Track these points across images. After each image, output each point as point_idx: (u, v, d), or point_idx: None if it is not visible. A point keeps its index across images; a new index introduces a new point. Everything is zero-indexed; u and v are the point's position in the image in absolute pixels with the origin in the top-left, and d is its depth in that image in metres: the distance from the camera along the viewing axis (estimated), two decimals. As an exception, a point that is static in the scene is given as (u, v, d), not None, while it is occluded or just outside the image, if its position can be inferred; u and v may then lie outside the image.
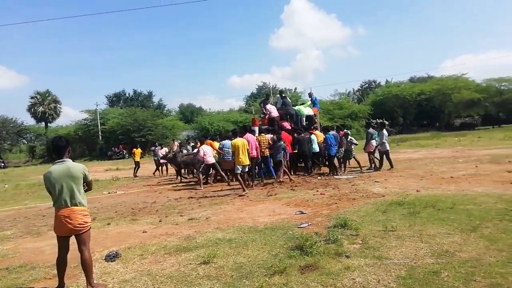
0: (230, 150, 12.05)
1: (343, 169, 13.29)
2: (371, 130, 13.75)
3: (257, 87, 66.93)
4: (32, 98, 58.27)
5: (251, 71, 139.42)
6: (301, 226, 5.95)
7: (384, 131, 12.95)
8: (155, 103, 66.20)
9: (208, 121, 49.09)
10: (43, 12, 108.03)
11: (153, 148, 19.00)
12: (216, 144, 13.08)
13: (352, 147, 13.07)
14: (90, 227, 3.97)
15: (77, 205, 3.78)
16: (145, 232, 6.44)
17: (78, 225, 3.76)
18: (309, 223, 6.10)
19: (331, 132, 13.34)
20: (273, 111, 14.63)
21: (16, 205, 11.33)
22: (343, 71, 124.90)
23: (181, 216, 7.69)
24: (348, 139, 12.95)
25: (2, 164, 44.85)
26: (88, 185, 3.98)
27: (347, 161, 13.64)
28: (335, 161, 13.25)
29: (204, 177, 12.89)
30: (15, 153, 58.77)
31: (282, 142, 11.59)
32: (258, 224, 6.33)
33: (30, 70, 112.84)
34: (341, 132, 13.44)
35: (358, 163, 13.33)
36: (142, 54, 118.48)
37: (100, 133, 48.51)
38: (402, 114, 54.33)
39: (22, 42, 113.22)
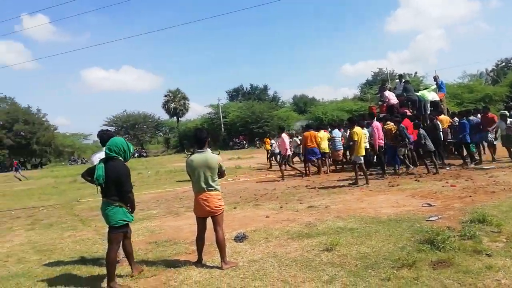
0: (339, 139, 11.75)
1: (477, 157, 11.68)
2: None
3: (372, 74, 63.52)
4: (165, 96, 65.86)
5: (365, 58, 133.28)
6: (430, 219, 5.53)
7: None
8: (270, 96, 68.36)
9: (322, 111, 48.63)
10: (173, 17, 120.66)
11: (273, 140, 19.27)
12: (324, 134, 12.92)
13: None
14: (223, 210, 4.38)
15: (212, 190, 4.22)
16: (268, 217, 6.80)
17: (215, 208, 4.19)
18: (439, 216, 5.63)
19: (472, 118, 11.88)
20: (392, 97, 13.69)
21: (158, 189, 13.06)
22: (471, 50, 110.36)
23: (300, 203, 7.87)
24: (509, 123, 11.07)
25: (144, 154, 52.13)
26: (221, 174, 4.37)
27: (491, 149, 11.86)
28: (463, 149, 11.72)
29: (317, 167, 12.94)
30: (154, 144, 67.61)
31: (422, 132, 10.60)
32: (381, 215, 6.10)
33: (163, 71, 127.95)
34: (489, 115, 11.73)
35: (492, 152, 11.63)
36: (258, 50, 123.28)
37: (222, 125, 52.34)
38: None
39: (157, 47, 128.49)
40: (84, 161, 53.05)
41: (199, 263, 4.39)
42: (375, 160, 11.85)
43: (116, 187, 3.86)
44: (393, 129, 10.69)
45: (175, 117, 67.68)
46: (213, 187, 4.22)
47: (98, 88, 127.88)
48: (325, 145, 12.65)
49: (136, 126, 64.75)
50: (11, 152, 49.15)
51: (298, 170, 13.25)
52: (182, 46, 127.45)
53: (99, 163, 3.92)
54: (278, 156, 15.99)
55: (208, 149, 4.35)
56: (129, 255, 4.28)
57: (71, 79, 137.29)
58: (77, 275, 4.39)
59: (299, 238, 5.22)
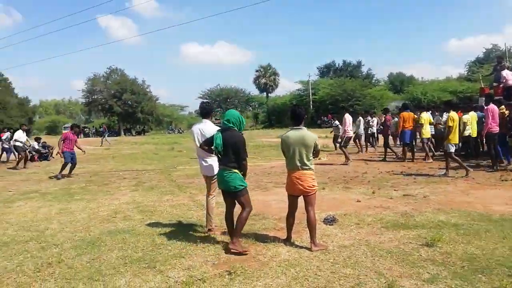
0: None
1: None
2: None
3: (484, 51, 56.12)
4: (256, 71, 66.85)
5: (474, 32, 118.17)
6: (558, 224, 4.72)
7: None
8: (363, 73, 65.00)
9: (421, 91, 44.85)
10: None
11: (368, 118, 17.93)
12: (428, 116, 11.77)
13: None
14: (316, 190, 4.24)
15: (307, 169, 4.10)
16: (359, 201, 6.49)
17: (308, 187, 4.08)
18: None
19: None
20: (511, 78, 11.88)
21: (248, 162, 13.38)
22: None
23: (395, 190, 7.38)
24: None
25: (235, 127, 53.92)
26: (316, 153, 4.23)
27: None
28: None
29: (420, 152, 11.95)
30: (243, 118, 69.59)
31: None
32: (492, 213, 5.39)
33: (255, 47, 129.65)
34: None
35: None
36: (352, 23, 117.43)
37: (311, 102, 51.54)
38: None
39: (250, 23, 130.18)
40: (180, 130, 57.19)
41: (287, 240, 4.36)
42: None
43: (233, 155, 4.11)
44: (505, 114, 9.35)
45: (264, 93, 68.62)
46: (307, 166, 4.09)
47: (195, 62, 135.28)
48: (427, 129, 11.56)
49: (228, 100, 67.26)
50: (120, 119, 55.06)
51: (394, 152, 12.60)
52: (275, 21, 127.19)
53: (217, 133, 4.16)
54: (363, 137, 15.22)
55: (305, 128, 4.22)
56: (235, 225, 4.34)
57: (171, 53, 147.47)
58: (174, 237, 4.68)
59: (394, 228, 4.87)
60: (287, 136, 4.18)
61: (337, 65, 67.49)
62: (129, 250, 4.25)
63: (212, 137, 4.24)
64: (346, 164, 11.37)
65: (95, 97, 54.55)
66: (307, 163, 4.09)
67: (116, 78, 55.24)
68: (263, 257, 3.96)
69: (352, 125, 12.77)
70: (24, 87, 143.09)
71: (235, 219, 4.27)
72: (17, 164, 13.80)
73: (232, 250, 4.04)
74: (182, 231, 4.98)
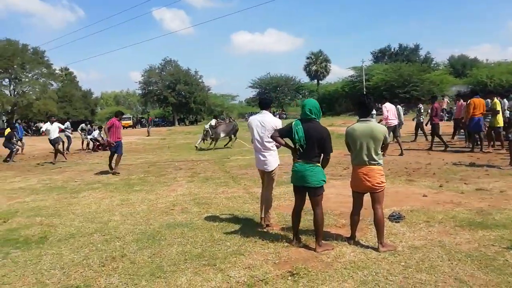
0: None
1: None
2: None
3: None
4: (307, 58, 65.79)
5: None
6: None
7: None
8: (421, 57, 61.41)
9: (486, 74, 41.43)
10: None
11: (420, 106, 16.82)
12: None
13: None
14: (385, 187, 3.91)
15: (375, 165, 3.78)
16: (426, 196, 6.01)
17: (376, 184, 3.76)
18: None
19: None
20: None
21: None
22: None
23: (465, 184, 6.76)
24: None
25: (284, 116, 53.71)
26: (385, 147, 3.90)
27: None
28: None
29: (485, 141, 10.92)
30: (293, 107, 68.94)
31: None
32: None
33: (305, 33, 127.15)
34: None
35: None
36: (408, 5, 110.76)
37: (364, 89, 49.67)
38: None
39: (300, 9, 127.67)
40: (231, 120, 57.79)
41: (351, 239, 4.08)
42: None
43: (318, 149, 3.83)
44: None
45: (315, 80, 67.38)
46: (375, 161, 3.77)
47: (245, 51, 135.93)
48: (500, 117, 10.49)
49: (278, 89, 66.86)
50: (174, 109, 56.92)
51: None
52: (326, 6, 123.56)
53: (297, 125, 3.87)
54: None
55: (373, 119, 3.88)
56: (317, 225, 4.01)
57: (221, 43, 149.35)
58: (232, 232, 4.59)
59: (470, 227, 4.41)
60: (353, 128, 3.86)
61: (392, 50, 64.38)
62: (189, 245, 4.21)
63: (286, 129, 4.00)
64: (402, 155, 10.67)
65: (151, 88, 56.83)
66: (376, 157, 3.76)
67: (170, 70, 57.00)
68: (326, 257, 3.72)
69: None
70: (87, 80, 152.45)
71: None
72: (55, 157, 13.52)
73: (322, 252, 3.81)
74: (240, 226, 4.88)
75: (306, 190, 3.93)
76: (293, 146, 3.93)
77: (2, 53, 43.15)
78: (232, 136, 16.88)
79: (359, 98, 3.95)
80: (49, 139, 13.76)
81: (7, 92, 45.57)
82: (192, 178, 8.93)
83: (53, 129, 13.66)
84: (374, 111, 14.59)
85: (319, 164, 3.88)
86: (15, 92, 46.26)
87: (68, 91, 52.90)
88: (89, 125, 18.92)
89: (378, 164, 3.80)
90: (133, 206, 6.32)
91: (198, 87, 57.12)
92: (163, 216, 5.61)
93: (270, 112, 4.78)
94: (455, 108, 14.41)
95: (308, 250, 3.92)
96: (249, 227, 4.80)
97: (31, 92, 46.73)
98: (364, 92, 48.80)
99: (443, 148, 11.40)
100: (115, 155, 10.29)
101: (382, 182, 3.80)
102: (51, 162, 13.32)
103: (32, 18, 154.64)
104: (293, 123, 3.93)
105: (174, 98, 54.08)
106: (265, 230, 4.63)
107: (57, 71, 52.61)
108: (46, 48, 63.05)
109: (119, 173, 10.06)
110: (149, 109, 78.31)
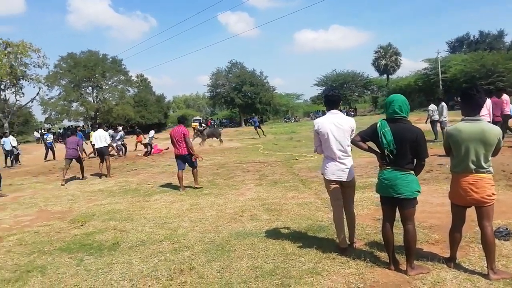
0: None
1: None
2: None
3: None
4: (375, 52, 62.71)
5: None
6: None
7: None
8: (506, 44, 55.27)
9: None
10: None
11: None
12: None
13: None
14: (495, 200, 3.19)
15: (484, 173, 3.11)
16: (536, 206, 5.04)
17: (486, 197, 3.07)
18: None
19: None
20: None
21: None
22: None
23: None
24: None
25: (352, 113, 51.88)
26: (495, 152, 3.17)
27: None
28: None
29: None
30: (360, 103, 66.24)
31: None
32: None
33: (372, 27, 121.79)
34: None
35: None
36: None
37: (440, 82, 46.03)
38: None
39: (363, 2, 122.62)
40: (296, 119, 57.32)
41: (451, 261, 3.41)
42: None
43: (411, 154, 3.27)
44: None
45: (384, 75, 64.09)
46: (485, 168, 3.10)
47: (309, 49, 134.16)
48: None
49: (345, 85, 64.66)
50: (240, 110, 57.85)
51: None
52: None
53: (383, 127, 3.31)
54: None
55: (483, 120, 3.18)
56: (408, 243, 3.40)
57: (285, 42, 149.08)
58: (306, 245, 4.17)
59: None
60: (457, 129, 3.19)
61: (472, 38, 58.87)
62: (259, 259, 3.88)
63: (369, 131, 3.43)
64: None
65: (219, 90, 58.34)
66: (485, 165, 3.09)
67: (237, 72, 57.99)
68: (422, 283, 3.13)
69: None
70: (160, 85, 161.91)
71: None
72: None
73: (415, 277, 3.24)
74: (314, 238, 4.44)
75: (396, 202, 3.35)
76: (379, 151, 3.39)
77: (86, 63, 47.26)
78: (215, 138, 21.22)
79: (465, 90, 3.24)
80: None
81: (90, 99, 49.76)
82: (260, 181, 8.66)
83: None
84: (431, 107, 13.36)
85: (413, 172, 3.30)
86: (97, 99, 50.31)
87: (144, 96, 56.25)
88: (110, 130, 18.76)
89: (488, 172, 3.11)
90: (202, 211, 6.18)
91: (264, 87, 57.34)
92: (232, 223, 5.37)
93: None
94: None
95: (398, 273, 3.36)
96: (325, 240, 4.35)
97: (111, 98, 50.49)
98: (440, 86, 45.35)
99: None
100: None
101: (492, 194, 3.09)
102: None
103: (110, 30, 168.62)
104: (377, 124, 3.36)
105: (241, 99, 54.93)
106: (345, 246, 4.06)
107: (133, 78, 56.27)
108: (124, 57, 67.79)
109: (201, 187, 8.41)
110: (217, 111, 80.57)
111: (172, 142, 8.40)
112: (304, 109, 68.49)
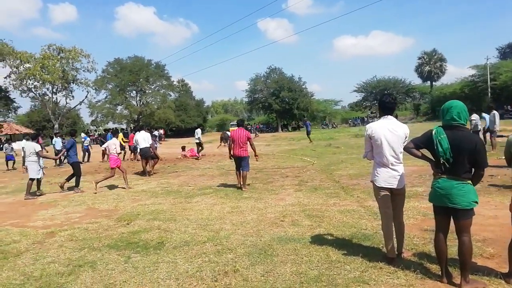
0: None
1: None
2: None
3: None
4: (419, 58, 60.66)
5: None
6: None
7: None
8: None
9: None
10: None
11: None
12: None
13: None
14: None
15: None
16: None
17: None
18: None
19: None
20: None
21: (418, 160, 11.79)
22: None
23: None
24: None
25: (393, 121, 50.22)
26: None
27: None
28: None
29: None
30: (401, 111, 64.10)
31: None
32: None
33: (414, 32, 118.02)
34: None
35: None
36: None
37: (489, 89, 43.71)
38: None
39: (407, 6, 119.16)
40: (334, 125, 56.48)
41: (510, 277, 3.22)
42: None
43: (469, 163, 3.14)
44: None
45: (428, 82, 61.80)
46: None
47: (348, 55, 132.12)
48: None
49: (386, 92, 62.91)
50: (277, 116, 57.87)
51: None
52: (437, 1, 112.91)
53: (439, 134, 3.20)
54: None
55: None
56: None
57: (324, 48, 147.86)
58: (350, 253, 4.08)
59: None
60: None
61: (525, 43, 55.51)
62: (303, 265, 3.84)
63: (423, 138, 3.34)
64: None
65: (257, 96, 58.77)
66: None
67: (275, 77, 58.15)
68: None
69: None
70: (199, 90, 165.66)
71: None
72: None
73: None
74: (359, 246, 4.34)
75: (450, 212, 3.21)
76: (433, 159, 3.27)
77: (131, 69, 49.23)
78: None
79: None
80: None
81: (134, 102, 51.68)
82: (300, 186, 8.59)
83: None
84: (474, 116, 12.84)
85: (470, 182, 3.15)
86: (141, 103, 52.15)
87: (184, 101, 57.77)
88: (156, 131, 19.44)
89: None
90: (243, 215, 6.22)
91: (302, 93, 57.04)
92: (273, 227, 5.36)
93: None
94: None
95: (450, 286, 3.21)
96: (370, 249, 4.23)
97: (153, 102, 52.17)
98: (489, 93, 43.02)
99: None
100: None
101: None
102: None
103: (154, 36, 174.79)
104: (433, 131, 3.24)
105: (278, 105, 54.96)
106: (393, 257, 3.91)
107: (174, 83, 57.88)
108: (167, 62, 69.84)
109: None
110: (254, 116, 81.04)
111: (233, 144, 8.72)
112: (342, 115, 67.31)
